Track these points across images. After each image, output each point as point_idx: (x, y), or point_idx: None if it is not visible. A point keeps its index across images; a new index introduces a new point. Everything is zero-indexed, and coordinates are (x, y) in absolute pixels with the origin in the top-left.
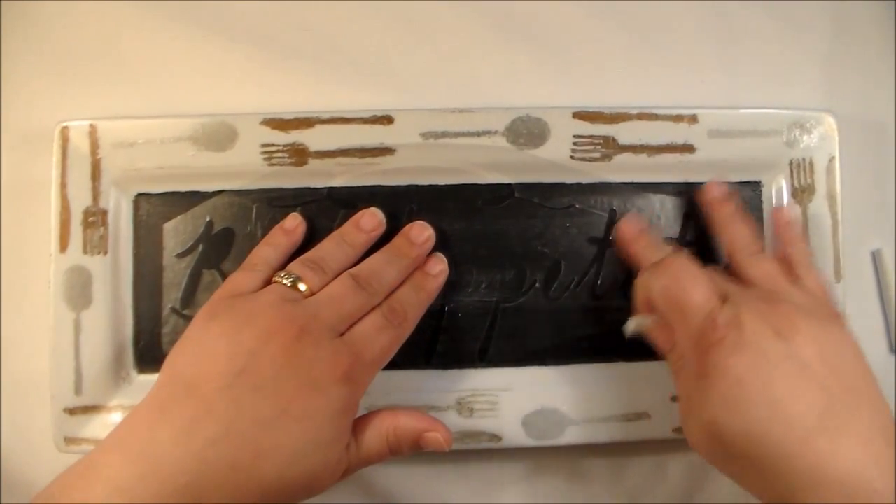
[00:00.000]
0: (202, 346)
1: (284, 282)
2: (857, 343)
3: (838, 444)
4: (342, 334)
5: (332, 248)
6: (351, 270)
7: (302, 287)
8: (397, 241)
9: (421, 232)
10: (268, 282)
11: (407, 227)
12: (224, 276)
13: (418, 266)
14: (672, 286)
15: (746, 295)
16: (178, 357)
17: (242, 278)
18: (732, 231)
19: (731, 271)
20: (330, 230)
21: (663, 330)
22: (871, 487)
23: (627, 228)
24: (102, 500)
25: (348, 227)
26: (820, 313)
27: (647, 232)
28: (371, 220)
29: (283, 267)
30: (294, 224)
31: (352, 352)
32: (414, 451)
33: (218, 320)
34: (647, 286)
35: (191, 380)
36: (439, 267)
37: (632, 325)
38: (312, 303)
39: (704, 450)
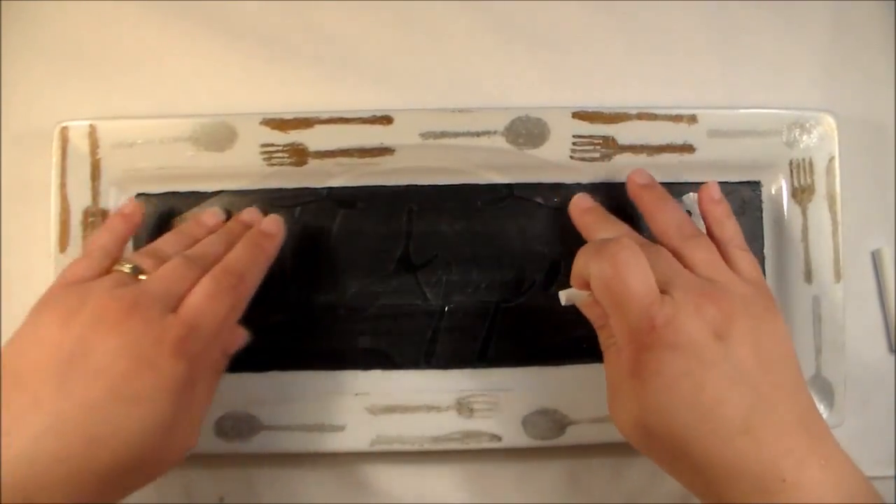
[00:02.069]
0: (32, 336)
1: (125, 269)
2: (788, 333)
3: (758, 441)
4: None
5: (171, 239)
6: (184, 252)
7: (143, 278)
8: (230, 224)
9: (252, 216)
10: (106, 270)
11: (240, 212)
12: None
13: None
14: (611, 275)
15: (687, 286)
16: (9, 348)
17: (80, 266)
18: (662, 216)
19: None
20: (330, 230)
21: (597, 306)
22: (780, 478)
23: (579, 201)
24: None
25: (188, 222)
26: (758, 305)
27: (599, 207)
28: (211, 217)
29: (120, 254)
30: (132, 208)
31: (184, 323)
32: None
33: (49, 308)
34: (584, 267)
35: (18, 371)
36: (275, 226)
37: (564, 297)
38: (143, 282)
39: (631, 439)
